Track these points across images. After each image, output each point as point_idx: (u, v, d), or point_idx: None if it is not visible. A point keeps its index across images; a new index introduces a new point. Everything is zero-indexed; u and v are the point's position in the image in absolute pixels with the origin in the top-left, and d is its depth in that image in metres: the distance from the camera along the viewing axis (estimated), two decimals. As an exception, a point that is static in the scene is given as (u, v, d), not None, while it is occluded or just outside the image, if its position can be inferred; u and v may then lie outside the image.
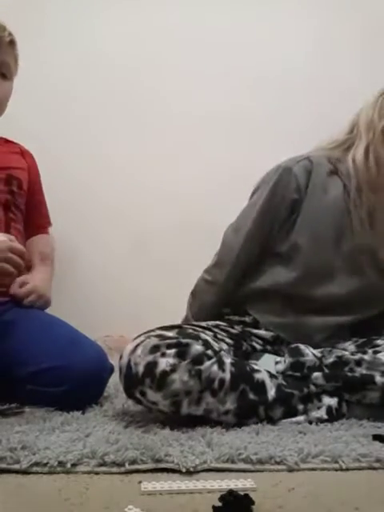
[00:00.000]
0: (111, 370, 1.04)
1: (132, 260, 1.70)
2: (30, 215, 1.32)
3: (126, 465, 0.69)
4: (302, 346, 1.00)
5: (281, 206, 1.09)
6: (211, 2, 1.78)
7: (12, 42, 1.20)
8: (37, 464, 0.69)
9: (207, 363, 0.86)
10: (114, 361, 1.01)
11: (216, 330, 1.05)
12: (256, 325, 1.11)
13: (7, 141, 1.34)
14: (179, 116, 1.74)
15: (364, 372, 0.94)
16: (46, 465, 0.69)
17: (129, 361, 0.86)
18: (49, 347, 1.01)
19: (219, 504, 0.57)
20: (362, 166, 1.07)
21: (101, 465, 0.70)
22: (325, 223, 1.07)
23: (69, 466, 0.69)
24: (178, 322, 1.15)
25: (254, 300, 1.12)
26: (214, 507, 0.57)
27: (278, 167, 1.10)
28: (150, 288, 1.70)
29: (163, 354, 0.84)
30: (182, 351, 0.85)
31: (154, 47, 1.76)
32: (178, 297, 1.20)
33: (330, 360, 0.99)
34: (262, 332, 1.10)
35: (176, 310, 1.20)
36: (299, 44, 1.81)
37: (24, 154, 1.34)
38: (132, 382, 0.85)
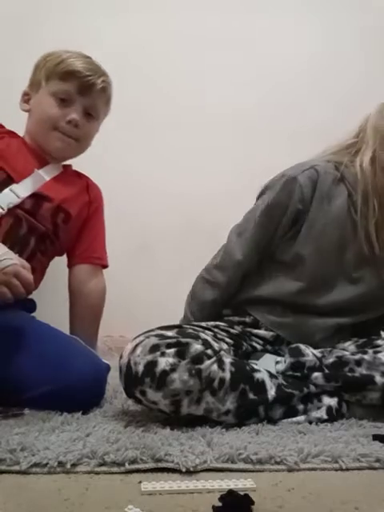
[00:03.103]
0: (107, 370, 1.03)
1: (133, 260, 1.70)
2: (81, 247, 1.30)
3: (126, 464, 0.69)
4: (302, 346, 1.01)
5: (283, 216, 1.07)
6: (213, 2, 1.78)
7: (104, 89, 1.23)
8: (36, 465, 0.69)
9: (207, 362, 0.86)
10: (114, 361, 1.01)
11: (216, 330, 1.05)
12: (256, 325, 1.11)
13: (79, 174, 1.33)
14: (182, 118, 1.75)
15: (364, 372, 0.94)
16: (45, 465, 0.69)
17: (129, 360, 0.86)
18: (41, 372, 0.97)
19: (219, 504, 0.57)
20: (368, 173, 1.06)
21: (101, 465, 0.70)
22: (329, 234, 1.07)
23: (69, 466, 0.69)
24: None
25: (255, 302, 1.12)
26: (213, 507, 0.56)
27: (283, 175, 1.09)
28: (151, 289, 1.70)
29: (163, 354, 0.84)
30: (181, 350, 0.85)
31: (156, 47, 1.76)
32: (179, 298, 1.20)
33: (330, 360, 0.99)
34: (262, 332, 1.10)
35: (177, 311, 1.19)
36: (302, 44, 1.81)
37: (89, 187, 1.32)
38: (132, 382, 0.85)
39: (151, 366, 0.83)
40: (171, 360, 0.84)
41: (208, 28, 1.77)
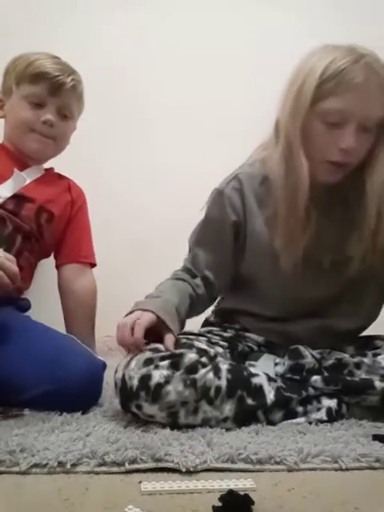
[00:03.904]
0: (104, 367, 1.02)
1: (132, 259, 1.70)
2: (66, 247, 1.31)
3: (126, 464, 0.69)
4: (301, 348, 1.00)
5: (222, 230, 1.05)
6: (211, 4, 1.78)
7: (74, 87, 1.24)
8: (36, 465, 0.69)
9: (202, 371, 0.85)
10: (113, 360, 1.01)
11: (209, 335, 1.05)
12: (247, 329, 1.10)
13: (60, 176, 1.34)
14: (179, 116, 1.74)
15: (363, 376, 0.94)
16: (45, 466, 0.69)
17: (123, 375, 0.85)
18: (36, 372, 0.96)
19: (219, 504, 0.57)
20: (278, 174, 0.98)
21: (101, 464, 0.70)
22: (268, 241, 1.01)
23: (69, 466, 0.69)
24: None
25: (240, 312, 1.11)
26: (213, 507, 0.57)
27: (213, 190, 1.07)
28: (150, 288, 1.69)
29: (157, 367, 0.84)
30: (175, 362, 0.85)
31: (152, 47, 1.76)
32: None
33: (330, 362, 0.99)
34: (253, 336, 1.09)
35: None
36: (299, 44, 1.80)
37: (71, 188, 1.33)
38: (127, 396, 0.84)
39: (146, 379, 0.83)
40: (165, 372, 0.83)
41: (204, 26, 1.77)
